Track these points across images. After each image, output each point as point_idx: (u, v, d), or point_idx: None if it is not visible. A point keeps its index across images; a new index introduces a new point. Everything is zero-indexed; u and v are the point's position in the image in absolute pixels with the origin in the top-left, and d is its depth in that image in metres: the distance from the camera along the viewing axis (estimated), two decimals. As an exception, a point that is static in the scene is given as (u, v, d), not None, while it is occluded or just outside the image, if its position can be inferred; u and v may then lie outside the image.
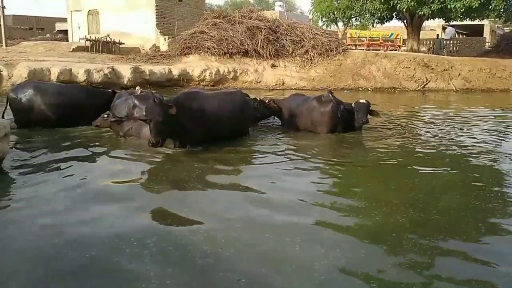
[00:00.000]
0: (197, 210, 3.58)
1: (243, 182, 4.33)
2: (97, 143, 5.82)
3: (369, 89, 15.49)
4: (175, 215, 3.50)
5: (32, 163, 4.83)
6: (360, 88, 15.46)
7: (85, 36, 19.92)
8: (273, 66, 16.14)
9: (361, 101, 6.57)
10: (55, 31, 32.58)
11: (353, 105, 6.54)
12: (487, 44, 24.56)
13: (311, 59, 16.28)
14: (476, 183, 4.42)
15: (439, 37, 24.90)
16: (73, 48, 18.70)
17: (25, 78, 11.48)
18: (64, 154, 5.18)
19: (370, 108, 6.58)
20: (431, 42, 22.37)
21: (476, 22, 22.36)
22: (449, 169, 4.97)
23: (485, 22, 26.64)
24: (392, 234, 3.15)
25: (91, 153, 5.35)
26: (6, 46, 19.96)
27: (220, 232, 3.13)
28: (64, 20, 28.19)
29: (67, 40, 24.66)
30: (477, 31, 27.96)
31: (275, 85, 15.36)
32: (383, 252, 2.89)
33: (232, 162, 5.05)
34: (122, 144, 5.85)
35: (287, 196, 3.95)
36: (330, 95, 6.44)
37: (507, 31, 26.79)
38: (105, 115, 6.00)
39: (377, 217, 3.47)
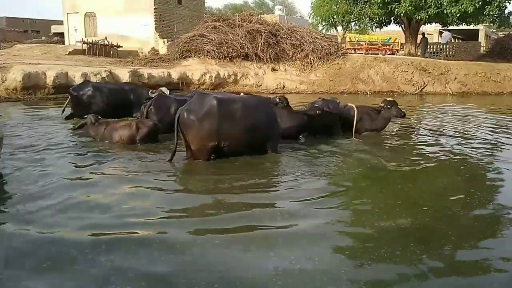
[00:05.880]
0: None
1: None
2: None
3: (368, 92, 15.58)
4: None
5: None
6: (359, 92, 15.55)
7: (82, 39, 19.76)
8: (273, 69, 16.15)
9: (389, 99, 6.96)
10: (51, 34, 32.30)
11: (381, 104, 6.84)
12: (482, 48, 24.84)
13: (311, 63, 16.33)
14: (464, 189, 4.43)
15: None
16: (69, 51, 18.50)
17: (20, 82, 11.34)
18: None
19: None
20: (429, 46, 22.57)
21: (472, 27, 22.67)
22: (442, 174, 4.97)
23: (480, 27, 26.99)
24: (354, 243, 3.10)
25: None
26: (0, 49, 19.72)
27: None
28: (60, 22, 27.97)
29: (63, 43, 24.46)
30: (473, 35, 28.31)
31: (276, 88, 15.35)
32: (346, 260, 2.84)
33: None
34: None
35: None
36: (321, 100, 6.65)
37: (501, 35, 27.13)
38: (85, 117, 6.15)
39: (348, 227, 3.40)
